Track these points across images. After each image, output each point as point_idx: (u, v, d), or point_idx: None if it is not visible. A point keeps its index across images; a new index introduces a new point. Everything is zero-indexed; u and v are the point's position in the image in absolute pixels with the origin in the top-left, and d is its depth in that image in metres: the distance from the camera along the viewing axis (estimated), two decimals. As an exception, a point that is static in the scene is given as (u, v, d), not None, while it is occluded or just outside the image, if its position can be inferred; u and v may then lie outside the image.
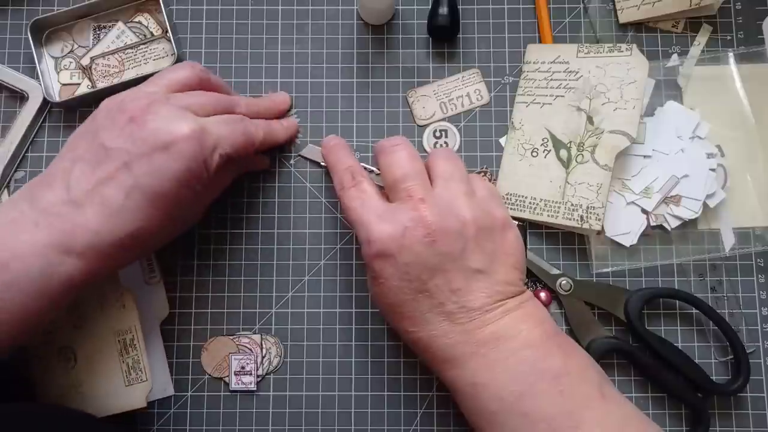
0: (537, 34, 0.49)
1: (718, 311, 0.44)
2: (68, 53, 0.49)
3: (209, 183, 0.38)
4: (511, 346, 0.37)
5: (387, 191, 0.40)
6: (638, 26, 0.49)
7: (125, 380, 0.43)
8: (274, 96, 0.48)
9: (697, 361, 0.44)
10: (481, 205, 0.39)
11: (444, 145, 0.48)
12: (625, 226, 0.46)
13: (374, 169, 0.43)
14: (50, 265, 0.35)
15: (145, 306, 0.45)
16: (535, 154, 0.47)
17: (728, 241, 0.46)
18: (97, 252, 0.36)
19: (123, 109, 0.37)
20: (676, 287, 0.46)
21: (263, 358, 0.46)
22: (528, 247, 0.46)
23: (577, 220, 0.44)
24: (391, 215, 0.38)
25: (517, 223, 0.41)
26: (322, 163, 0.47)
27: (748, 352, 0.44)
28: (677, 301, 0.46)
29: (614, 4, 0.49)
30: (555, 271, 0.46)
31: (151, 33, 0.49)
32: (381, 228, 0.37)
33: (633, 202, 0.46)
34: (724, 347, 0.46)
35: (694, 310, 0.46)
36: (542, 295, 0.45)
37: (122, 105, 0.37)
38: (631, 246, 0.46)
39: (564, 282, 0.45)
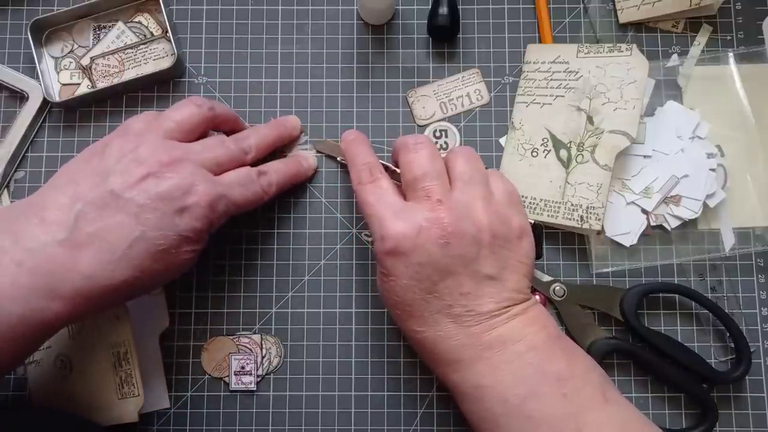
0: (537, 34, 0.49)
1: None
2: (68, 53, 0.49)
3: (206, 240, 0.39)
4: (517, 350, 0.37)
5: (405, 189, 0.40)
6: (638, 26, 0.49)
7: (118, 393, 0.43)
8: (285, 120, 0.47)
9: (697, 361, 0.45)
10: (499, 212, 0.39)
11: (444, 145, 0.48)
12: (625, 226, 0.46)
13: (391, 165, 0.43)
14: (32, 310, 0.33)
15: (145, 317, 0.45)
16: (535, 154, 0.47)
17: (728, 241, 0.46)
18: (85, 297, 0.35)
19: (140, 160, 0.37)
20: (676, 287, 0.46)
21: (263, 358, 0.46)
22: (545, 247, 0.46)
23: (577, 220, 0.44)
24: (407, 213, 0.38)
25: (533, 222, 0.41)
26: (338, 158, 0.47)
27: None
28: (676, 301, 0.46)
29: (614, 4, 0.49)
30: (547, 278, 0.46)
31: (151, 33, 0.49)
32: (396, 225, 0.37)
33: (633, 202, 0.46)
34: (725, 347, 0.46)
35: (693, 310, 0.46)
36: (536, 297, 0.45)
37: (140, 155, 0.37)
38: (631, 246, 0.46)
39: (557, 288, 0.45)
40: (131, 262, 0.35)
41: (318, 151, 0.48)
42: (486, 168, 0.41)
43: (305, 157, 0.47)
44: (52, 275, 0.34)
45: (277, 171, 0.44)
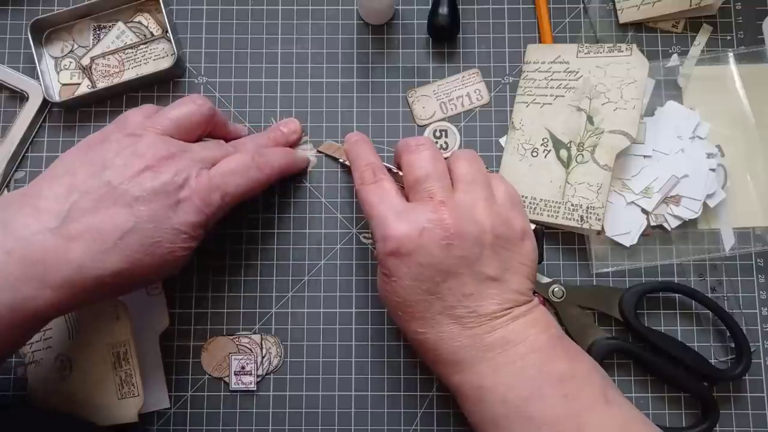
0: (537, 34, 0.49)
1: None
2: (68, 53, 0.49)
3: (202, 236, 0.39)
4: (518, 351, 0.37)
5: (407, 190, 0.40)
6: (638, 26, 0.49)
7: (118, 393, 0.43)
8: (283, 125, 0.47)
9: (697, 361, 0.45)
10: (501, 213, 0.39)
11: (444, 145, 0.48)
12: (625, 226, 0.46)
13: (393, 167, 0.43)
14: (22, 299, 0.33)
15: (144, 317, 0.45)
16: (535, 154, 0.47)
17: (728, 241, 0.46)
18: (75, 287, 0.34)
19: (139, 154, 0.37)
20: (676, 287, 0.46)
21: (263, 358, 0.46)
22: (546, 248, 0.46)
23: (577, 220, 0.44)
24: (410, 214, 0.38)
25: (534, 226, 0.41)
26: (341, 160, 0.47)
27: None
28: (676, 300, 0.46)
29: (614, 4, 0.49)
30: (545, 279, 0.46)
31: (151, 33, 0.49)
32: (398, 226, 0.37)
33: (633, 202, 0.46)
34: (725, 347, 0.46)
35: (693, 310, 0.46)
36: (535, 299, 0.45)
37: (138, 150, 0.37)
38: (631, 246, 0.46)
39: (556, 289, 0.45)
40: (123, 254, 0.35)
41: (319, 152, 0.48)
42: (487, 170, 0.41)
43: (297, 152, 0.48)
44: (43, 264, 0.34)
45: (274, 153, 0.44)
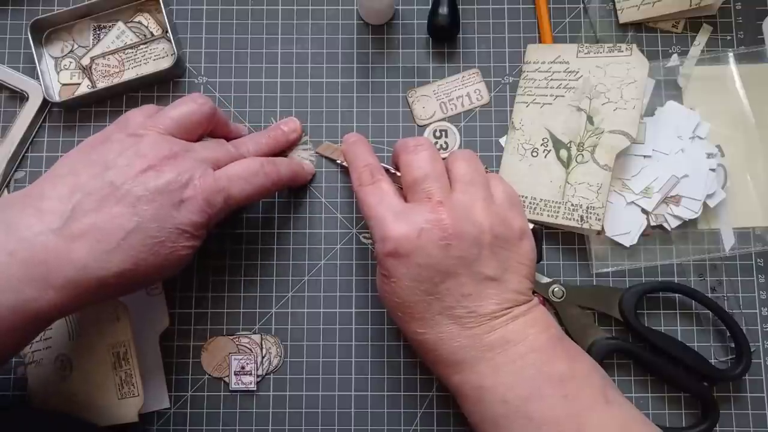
0: (537, 34, 0.49)
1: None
2: (68, 53, 0.49)
3: (204, 235, 0.39)
4: (518, 351, 0.37)
5: (405, 190, 0.40)
6: (638, 26, 0.49)
7: (118, 393, 0.43)
8: (283, 124, 0.47)
9: (697, 361, 0.45)
10: (500, 213, 0.39)
11: (444, 145, 0.48)
12: (625, 226, 0.46)
13: (391, 168, 0.43)
14: (25, 300, 0.33)
15: (144, 317, 0.45)
16: (535, 154, 0.47)
17: (728, 241, 0.46)
18: (78, 287, 0.34)
19: (141, 153, 0.37)
20: (676, 287, 0.46)
21: (263, 358, 0.46)
22: (545, 247, 0.46)
23: (577, 220, 0.44)
24: (408, 215, 0.38)
25: (533, 226, 0.41)
26: (338, 161, 0.47)
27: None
28: (676, 300, 0.46)
29: (614, 4, 0.49)
30: (545, 279, 0.46)
31: (151, 33, 0.49)
32: (397, 227, 0.37)
33: (633, 202, 0.46)
34: (725, 347, 0.46)
35: (693, 310, 0.46)
36: (535, 299, 0.45)
37: (140, 150, 0.37)
38: (631, 246, 0.46)
39: (556, 289, 0.45)
40: (126, 254, 0.35)
41: (317, 154, 0.48)
42: (486, 170, 0.41)
43: (303, 165, 0.48)
44: (46, 265, 0.34)
45: (282, 162, 0.44)
